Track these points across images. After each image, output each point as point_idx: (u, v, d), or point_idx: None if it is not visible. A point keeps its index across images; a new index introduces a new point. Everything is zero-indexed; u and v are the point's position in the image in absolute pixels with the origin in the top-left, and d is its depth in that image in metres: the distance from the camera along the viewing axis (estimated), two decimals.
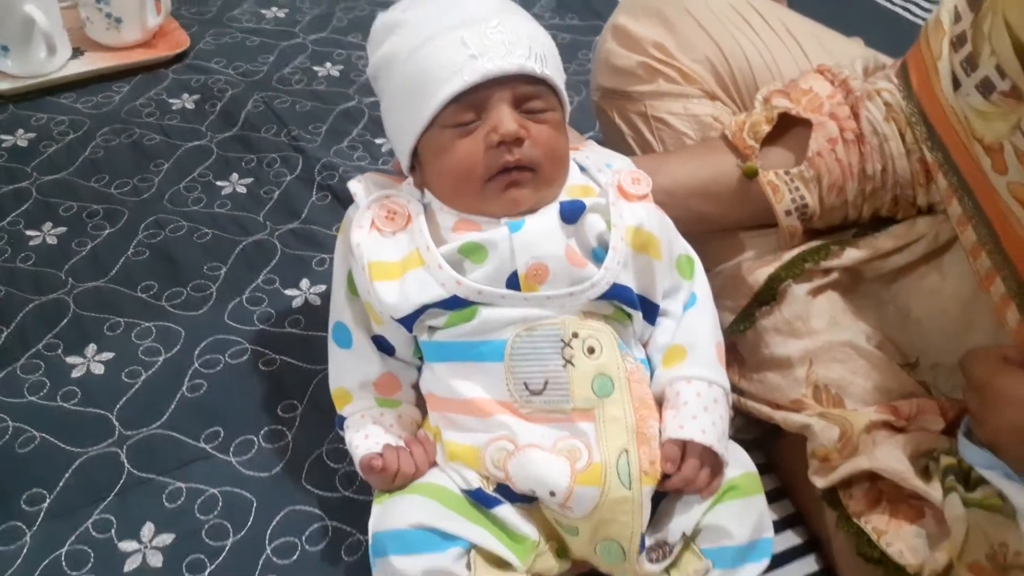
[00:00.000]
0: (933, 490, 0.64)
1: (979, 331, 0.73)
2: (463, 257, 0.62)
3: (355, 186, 0.68)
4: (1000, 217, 0.67)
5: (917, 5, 1.54)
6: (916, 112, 0.75)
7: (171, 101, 1.22)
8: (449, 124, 0.62)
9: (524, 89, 0.63)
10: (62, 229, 1.00)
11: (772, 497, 0.70)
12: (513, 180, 0.63)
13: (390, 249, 0.64)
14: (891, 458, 0.66)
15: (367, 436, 0.66)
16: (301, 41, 1.38)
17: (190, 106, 1.21)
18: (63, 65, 1.25)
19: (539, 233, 0.62)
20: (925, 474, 0.66)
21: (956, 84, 0.69)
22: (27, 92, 1.22)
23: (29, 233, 0.99)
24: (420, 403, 0.70)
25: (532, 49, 0.63)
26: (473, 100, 0.62)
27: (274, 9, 1.46)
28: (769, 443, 0.77)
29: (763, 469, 0.69)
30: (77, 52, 1.29)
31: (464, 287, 0.61)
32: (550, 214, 0.63)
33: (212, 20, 1.42)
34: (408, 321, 0.63)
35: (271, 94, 1.24)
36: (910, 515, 0.66)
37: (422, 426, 0.69)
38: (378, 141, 1.16)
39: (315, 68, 1.31)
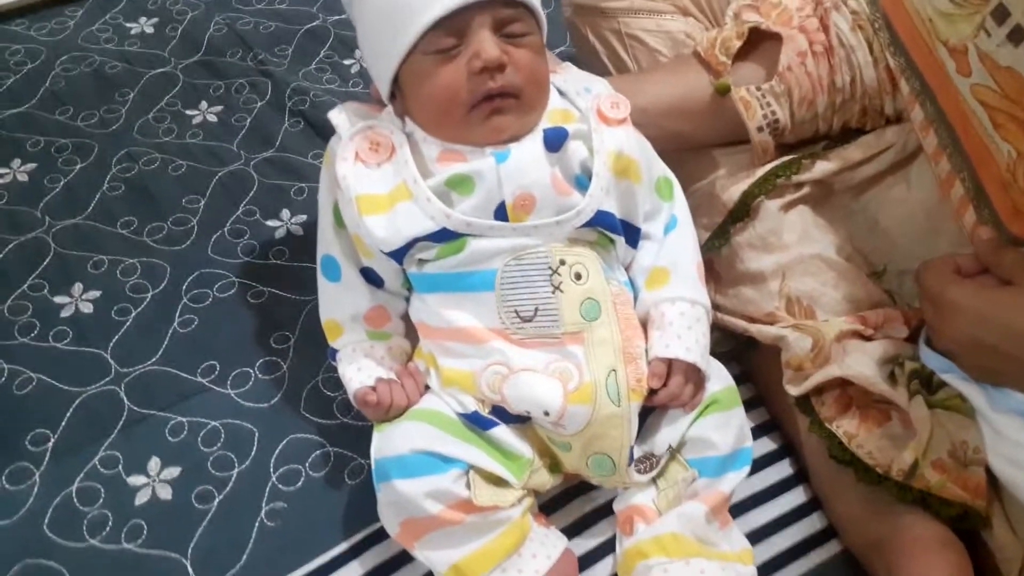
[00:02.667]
0: (899, 394, 0.68)
1: (944, 237, 0.76)
2: (450, 189, 0.63)
3: (336, 117, 0.68)
4: (962, 119, 0.69)
5: None
6: (880, 18, 0.75)
7: (129, 25, 1.19)
8: (430, 50, 0.62)
9: (504, 12, 0.62)
10: (32, 165, 0.98)
11: (748, 406, 0.73)
12: (496, 107, 0.63)
13: (377, 181, 0.64)
14: (860, 365, 0.70)
15: (360, 369, 0.68)
16: None
17: (149, 30, 1.18)
18: None
19: (525, 162, 0.63)
20: (891, 379, 0.70)
21: None
22: None
23: None
24: (409, 333, 0.72)
25: None
26: (454, 25, 0.61)
27: None
28: (745, 355, 0.81)
29: (739, 379, 0.73)
30: None
31: (453, 220, 0.62)
32: (534, 142, 0.64)
33: None
34: (398, 254, 0.64)
35: (232, 15, 1.21)
36: (878, 418, 0.69)
37: (412, 355, 0.71)
38: (347, 62, 1.14)
39: None
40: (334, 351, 0.70)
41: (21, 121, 1.04)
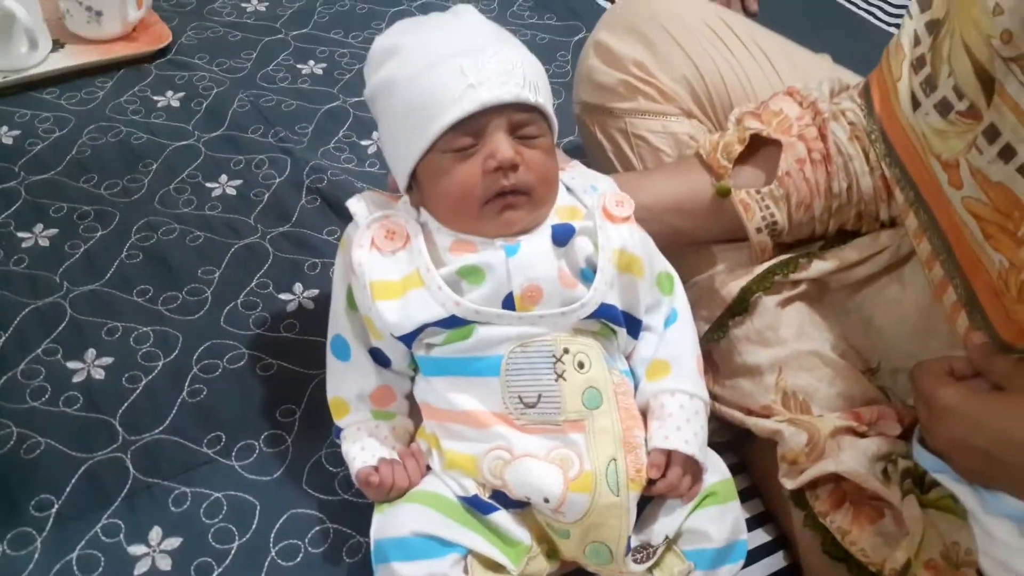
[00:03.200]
0: (892, 492, 0.69)
1: (937, 338, 0.78)
2: (461, 278, 0.66)
3: (355, 205, 0.71)
4: (954, 229, 0.72)
5: (881, 9, 1.59)
6: (877, 130, 0.79)
7: (156, 98, 1.23)
8: (448, 149, 0.66)
9: (519, 116, 0.66)
10: (53, 231, 1.01)
11: (744, 496, 0.74)
12: (508, 203, 0.66)
13: (390, 268, 0.67)
14: (854, 462, 0.71)
15: (363, 448, 0.70)
16: (283, 37, 1.39)
17: (175, 104, 1.22)
18: (44, 59, 1.25)
19: (533, 256, 0.66)
20: (885, 476, 0.71)
21: (916, 104, 0.74)
22: (8, 87, 1.21)
23: (20, 235, 1.00)
24: (412, 413, 0.73)
25: (526, 78, 0.66)
26: (471, 127, 0.65)
27: (254, 2, 1.46)
28: (741, 445, 0.83)
29: (735, 470, 0.74)
30: (57, 45, 1.29)
31: (462, 307, 0.65)
32: (543, 237, 0.67)
33: (192, 12, 1.42)
34: (408, 338, 0.67)
35: (256, 92, 1.25)
36: (871, 515, 0.70)
37: (415, 435, 0.73)
38: (364, 143, 1.18)
39: (299, 66, 1.32)
40: (338, 429, 0.72)
41: (46, 187, 1.07)
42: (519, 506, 0.66)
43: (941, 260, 0.74)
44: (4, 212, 1.03)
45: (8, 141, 1.14)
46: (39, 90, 1.23)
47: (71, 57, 1.27)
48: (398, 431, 0.72)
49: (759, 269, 0.82)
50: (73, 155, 1.12)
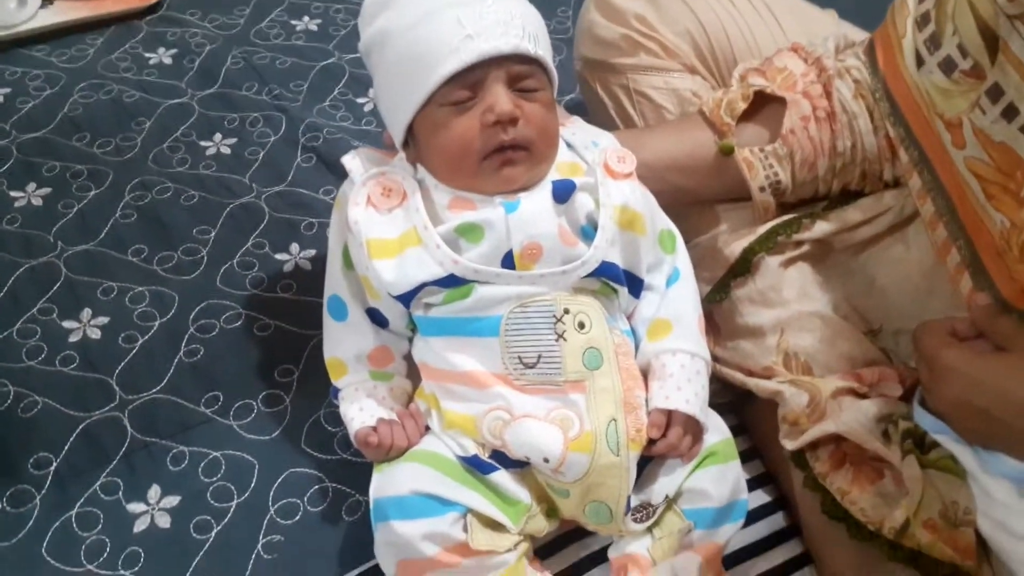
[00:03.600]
0: (892, 452, 0.69)
1: (940, 298, 0.77)
2: (459, 236, 0.65)
3: (350, 162, 0.69)
4: (957, 189, 0.71)
5: None
6: (881, 88, 0.78)
7: (148, 55, 1.21)
8: (445, 102, 0.64)
9: (518, 68, 0.64)
10: (47, 190, 1.00)
11: (744, 458, 0.74)
12: (508, 159, 0.65)
13: (387, 226, 0.66)
14: (855, 422, 0.71)
15: (361, 409, 0.69)
16: None
17: (168, 61, 1.20)
18: (33, 15, 1.23)
19: (533, 213, 0.65)
20: (885, 437, 0.71)
21: (920, 62, 0.72)
22: None
23: (13, 194, 0.99)
24: (411, 373, 0.73)
25: (525, 29, 0.65)
26: (469, 79, 0.63)
27: None
28: (742, 407, 0.82)
29: (736, 431, 0.74)
30: (46, 1, 1.26)
31: (461, 266, 0.64)
32: (543, 194, 0.66)
33: None
34: (406, 298, 0.66)
35: (250, 49, 1.23)
36: (871, 476, 0.70)
37: (413, 395, 0.72)
38: (360, 100, 1.17)
39: (293, 22, 1.30)
40: (336, 390, 0.72)
41: (38, 146, 1.05)
42: (519, 466, 0.65)
43: (944, 221, 0.73)
44: None
45: None
46: (29, 47, 1.21)
47: (61, 13, 1.25)
48: (396, 392, 0.72)
49: (762, 229, 0.81)
50: (65, 113, 1.10)
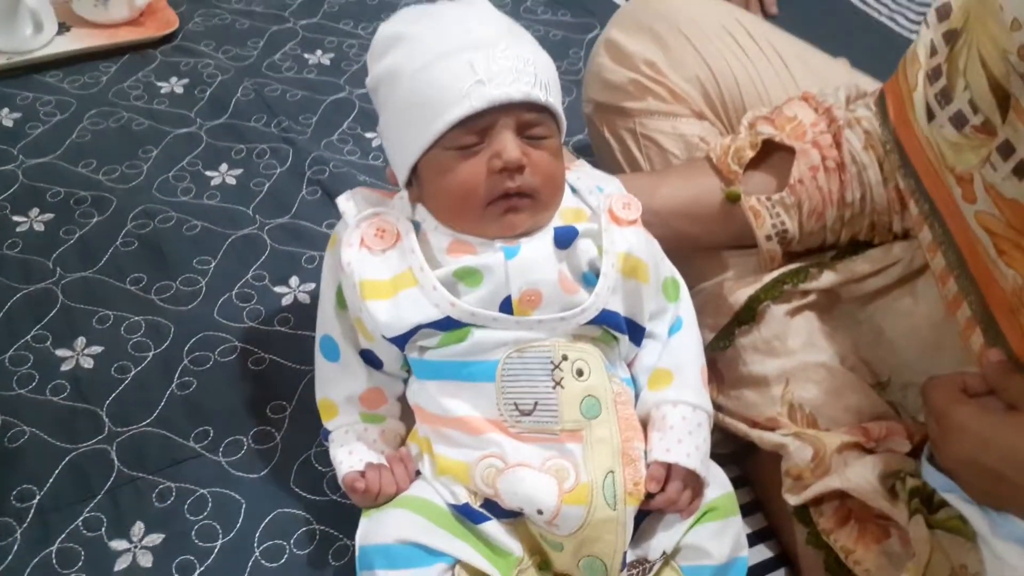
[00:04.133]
0: (899, 511, 0.67)
1: (949, 352, 0.76)
2: (457, 280, 0.64)
3: (344, 203, 0.69)
4: (968, 244, 0.70)
5: (903, 16, 1.56)
6: (891, 140, 0.77)
7: (159, 84, 1.21)
8: (452, 146, 0.63)
9: (527, 116, 0.64)
10: (49, 216, 0.99)
11: (745, 511, 0.72)
12: (512, 205, 0.64)
13: (380, 267, 0.65)
14: (860, 479, 0.69)
15: (351, 452, 0.68)
16: (291, 26, 1.37)
17: (179, 90, 1.21)
18: (49, 41, 1.24)
19: (534, 259, 0.64)
20: (892, 494, 0.69)
21: (931, 116, 0.71)
22: (12, 69, 1.20)
23: (16, 219, 0.99)
24: (404, 415, 0.72)
25: (537, 77, 0.64)
26: (478, 124, 0.62)
27: None
28: (744, 458, 0.80)
29: (737, 483, 0.72)
30: (63, 28, 1.27)
31: (458, 309, 0.63)
32: (544, 239, 0.65)
33: None
34: (401, 340, 0.65)
35: (261, 81, 1.23)
36: (877, 534, 0.68)
37: (406, 438, 0.71)
38: (368, 135, 1.16)
39: (306, 55, 1.31)
40: (327, 431, 0.70)
41: (44, 171, 1.05)
42: (511, 516, 0.64)
43: (955, 275, 0.72)
44: (1, 195, 1.02)
45: (8, 124, 1.12)
46: (42, 73, 1.21)
47: (76, 40, 1.26)
48: (387, 435, 0.71)
49: (768, 277, 0.80)
50: (73, 139, 1.10)
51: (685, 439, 0.65)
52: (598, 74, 0.94)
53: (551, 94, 0.65)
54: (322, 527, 0.73)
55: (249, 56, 1.29)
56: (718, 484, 0.68)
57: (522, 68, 0.63)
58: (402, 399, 0.71)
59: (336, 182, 1.06)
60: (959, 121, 0.68)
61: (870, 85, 0.88)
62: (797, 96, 0.85)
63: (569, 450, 0.62)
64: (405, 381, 0.71)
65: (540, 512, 0.61)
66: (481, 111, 0.62)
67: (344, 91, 1.24)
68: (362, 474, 0.65)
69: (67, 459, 0.76)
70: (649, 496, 0.64)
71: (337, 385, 0.70)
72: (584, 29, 1.43)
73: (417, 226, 0.67)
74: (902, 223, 0.80)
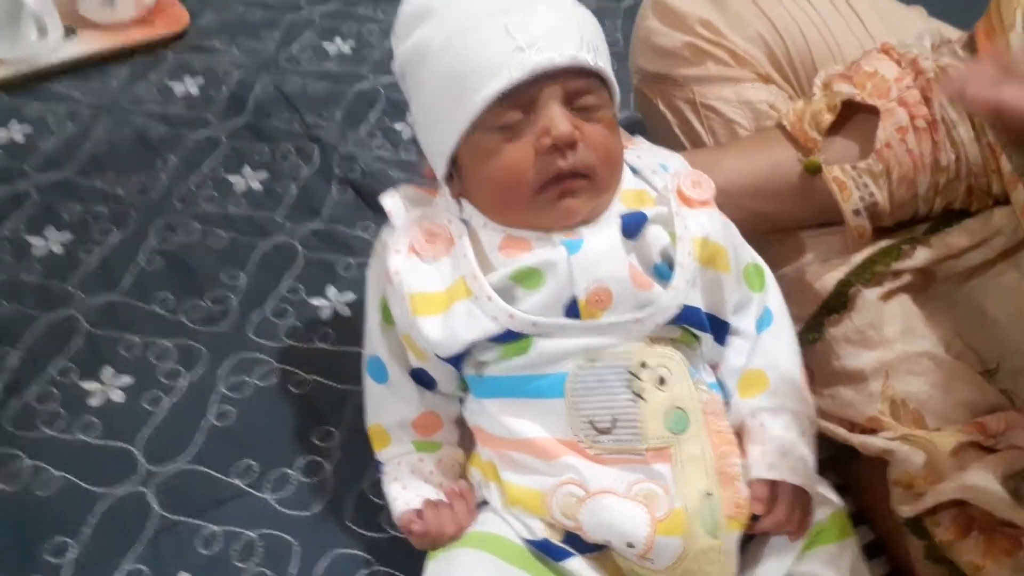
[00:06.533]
0: None
1: None
2: (515, 284, 0.57)
3: (390, 203, 0.63)
4: None
5: None
6: None
7: (173, 86, 1.16)
8: (493, 126, 0.57)
9: (576, 84, 0.57)
10: (67, 235, 0.94)
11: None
12: (567, 188, 0.57)
13: (433, 277, 0.59)
14: (982, 484, 0.62)
15: (405, 487, 0.63)
16: (307, 14, 1.30)
17: (194, 91, 1.15)
18: (56, 47, 1.18)
19: (600, 253, 0.57)
20: (1017, 497, 0.62)
21: None
22: (19, 79, 1.14)
23: (32, 240, 0.93)
24: (463, 438, 0.66)
25: (583, 37, 0.57)
26: (520, 98, 0.56)
27: None
28: (845, 463, 0.73)
29: (838, 491, 0.65)
30: (69, 31, 1.21)
31: (518, 320, 0.56)
32: (610, 228, 0.58)
33: None
34: (456, 359, 0.59)
35: (280, 75, 1.17)
36: (1006, 546, 0.62)
37: (466, 465, 0.65)
38: (398, 127, 1.10)
39: (325, 44, 1.24)
40: (379, 463, 0.65)
41: (59, 187, 1.00)
42: (596, 549, 0.58)
43: None
44: (14, 216, 0.96)
45: (19, 138, 1.07)
46: (51, 81, 1.16)
47: (84, 44, 1.20)
48: (445, 463, 0.65)
49: (857, 258, 0.74)
50: (87, 151, 1.05)
51: (789, 451, 0.58)
52: (647, 39, 0.87)
53: (600, 57, 0.59)
54: (385, 568, 0.67)
55: (265, 49, 1.23)
56: (826, 500, 0.61)
57: (565, 28, 0.57)
58: (460, 421, 0.65)
59: (368, 180, 1.00)
60: None
61: (952, 33, 0.81)
62: (876, 48, 0.78)
63: (658, 472, 0.56)
64: (461, 400, 0.64)
65: (631, 545, 0.55)
66: (522, 82, 0.55)
67: (368, 80, 1.18)
68: (419, 513, 0.60)
69: (102, 505, 0.70)
70: (754, 518, 0.57)
71: (388, 410, 0.65)
72: None
73: (467, 224, 0.60)
74: (1001, 183, 0.72)
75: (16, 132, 1.07)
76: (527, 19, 0.56)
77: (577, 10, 0.60)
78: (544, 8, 0.57)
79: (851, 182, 0.73)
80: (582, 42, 0.57)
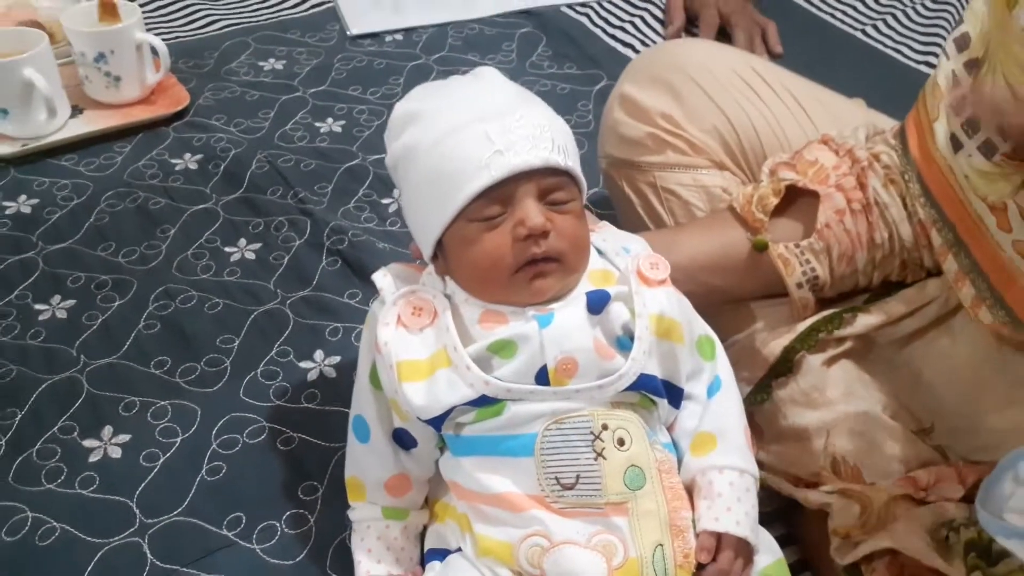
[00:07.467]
0: (955, 568, 0.64)
1: (992, 393, 0.74)
2: (492, 354, 0.63)
3: (381, 280, 0.68)
4: (1002, 273, 0.69)
5: (908, 47, 1.56)
6: (912, 170, 0.76)
7: (174, 161, 1.22)
8: (475, 218, 0.63)
9: (548, 181, 0.63)
10: (71, 302, 0.99)
11: (794, 570, 0.69)
12: (539, 271, 0.63)
13: (417, 347, 0.64)
14: (911, 534, 0.67)
15: (369, 551, 0.68)
16: (301, 94, 1.38)
17: (193, 166, 1.21)
18: (63, 125, 1.25)
19: (568, 327, 0.63)
20: (945, 546, 0.67)
21: (957, 146, 0.71)
22: (28, 155, 1.21)
23: (38, 307, 0.98)
24: (436, 486, 0.70)
25: (555, 141, 0.64)
26: (499, 194, 0.62)
27: (272, 61, 1.46)
28: (790, 515, 0.78)
29: (783, 541, 0.69)
30: (76, 110, 1.28)
31: (492, 387, 0.61)
32: (577, 305, 0.64)
33: (210, 73, 1.42)
34: (436, 421, 0.63)
35: (274, 152, 1.24)
36: None
37: (435, 512, 0.70)
38: (384, 201, 1.16)
39: (317, 124, 1.31)
40: (350, 520, 0.70)
41: (64, 257, 1.05)
42: None
43: (988, 304, 0.71)
44: (22, 284, 1.01)
45: (26, 210, 1.12)
46: (58, 157, 1.22)
47: (90, 123, 1.27)
48: (409, 530, 0.70)
49: (802, 326, 0.79)
50: (91, 222, 1.11)
51: (734, 506, 0.63)
52: (614, 129, 0.94)
53: (570, 158, 0.65)
54: None
55: (260, 128, 1.30)
56: (768, 550, 0.65)
57: (539, 135, 0.63)
58: (430, 480, 0.70)
59: (356, 251, 1.06)
60: (988, 150, 0.67)
61: (887, 124, 0.87)
62: (816, 140, 0.85)
63: (615, 524, 0.60)
64: (439, 457, 0.69)
65: None
66: (501, 180, 0.61)
67: (358, 158, 1.24)
68: None
69: (99, 555, 0.74)
70: (700, 567, 0.62)
71: (365, 467, 0.69)
72: (591, 81, 1.43)
73: (450, 299, 0.66)
74: (932, 257, 0.78)
75: (24, 205, 1.13)
76: (505, 126, 0.62)
77: (550, 117, 0.66)
78: (520, 116, 0.63)
79: (794, 259, 0.78)
80: (553, 146, 0.63)
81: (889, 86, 1.28)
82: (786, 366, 0.78)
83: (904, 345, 0.79)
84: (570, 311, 0.63)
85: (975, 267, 0.71)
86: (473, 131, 0.62)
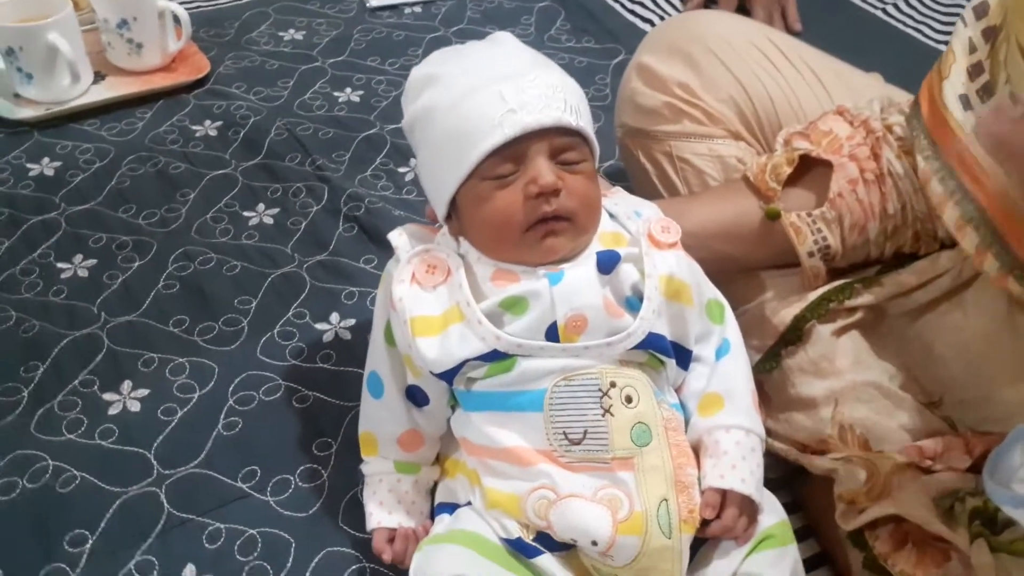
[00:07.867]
0: (959, 535, 0.65)
1: (1003, 367, 0.74)
2: (503, 310, 0.64)
3: (396, 239, 0.69)
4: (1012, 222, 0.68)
5: (928, 26, 1.55)
6: (920, 128, 0.75)
7: (194, 128, 1.23)
8: (488, 176, 0.64)
9: (560, 141, 0.64)
10: (92, 261, 1.01)
11: (799, 536, 0.70)
12: (550, 229, 0.64)
13: (431, 303, 0.65)
14: (916, 502, 0.67)
15: (381, 503, 0.70)
16: (320, 65, 1.39)
17: (213, 133, 1.23)
18: (86, 91, 1.26)
19: (578, 284, 0.64)
20: (950, 515, 0.67)
21: (967, 106, 0.70)
22: (51, 119, 1.23)
23: (60, 265, 1.00)
24: (447, 443, 0.72)
25: (567, 102, 0.65)
26: (512, 152, 0.63)
27: (291, 31, 1.47)
28: (795, 482, 0.79)
29: (789, 508, 0.70)
30: (98, 76, 1.30)
31: (504, 341, 0.63)
32: (587, 264, 0.65)
33: (231, 43, 1.43)
34: (448, 375, 0.65)
35: (293, 120, 1.25)
36: (937, 558, 0.66)
37: (446, 468, 0.71)
38: (401, 170, 1.17)
39: (335, 93, 1.32)
40: (363, 475, 0.72)
41: (86, 218, 1.07)
42: (564, 548, 0.63)
43: (1015, 275, 0.70)
44: (45, 243, 1.03)
45: (50, 172, 1.14)
46: (80, 121, 1.24)
47: (112, 89, 1.28)
48: (421, 484, 0.72)
49: (812, 296, 0.79)
50: (113, 185, 1.12)
51: (739, 464, 0.64)
52: (631, 99, 0.95)
53: (582, 118, 0.66)
54: (372, 565, 0.72)
55: (280, 96, 1.31)
56: (773, 511, 0.66)
57: (551, 95, 0.64)
58: (443, 437, 0.72)
59: (372, 217, 1.07)
60: None
61: (903, 97, 0.87)
62: (832, 110, 0.85)
63: (621, 479, 0.61)
64: (448, 419, 0.71)
65: (594, 543, 0.60)
66: (514, 139, 0.62)
67: (375, 127, 1.25)
68: (390, 542, 0.69)
69: (118, 502, 0.76)
70: (704, 523, 0.63)
71: (379, 422, 0.71)
72: (609, 55, 1.44)
73: (464, 258, 0.67)
74: (946, 229, 0.77)
75: (48, 167, 1.15)
76: (519, 86, 0.63)
77: (563, 79, 0.67)
78: (534, 77, 0.64)
79: (806, 228, 0.78)
80: (566, 106, 0.64)
81: (909, 65, 1.27)
82: (796, 335, 0.78)
83: (916, 317, 0.79)
84: (581, 270, 0.64)
85: (995, 238, 0.70)
86: (488, 91, 0.63)
